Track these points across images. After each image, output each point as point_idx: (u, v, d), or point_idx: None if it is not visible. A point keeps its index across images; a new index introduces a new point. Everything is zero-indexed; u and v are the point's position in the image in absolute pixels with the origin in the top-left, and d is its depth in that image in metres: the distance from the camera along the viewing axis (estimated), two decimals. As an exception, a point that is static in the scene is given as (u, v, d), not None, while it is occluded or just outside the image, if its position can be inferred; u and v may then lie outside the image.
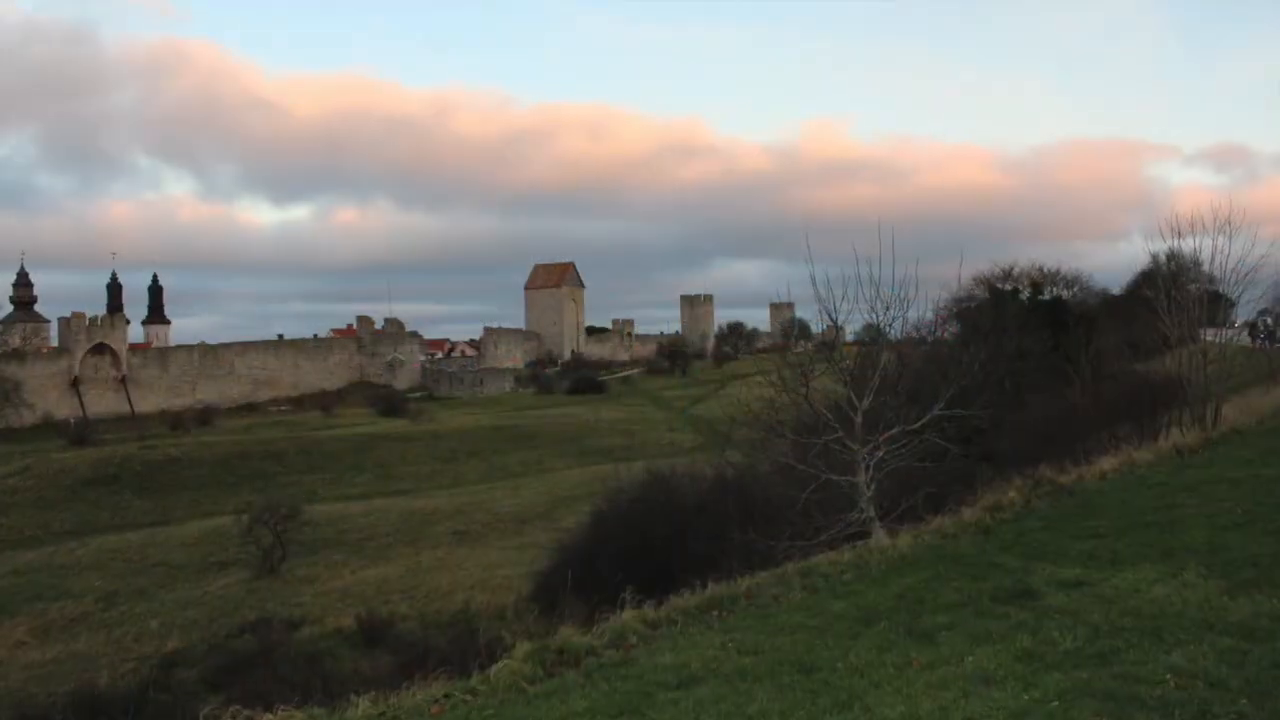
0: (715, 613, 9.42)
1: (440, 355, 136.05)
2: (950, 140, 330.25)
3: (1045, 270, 52.18)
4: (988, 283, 49.74)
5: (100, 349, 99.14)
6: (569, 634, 8.72)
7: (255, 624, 30.77)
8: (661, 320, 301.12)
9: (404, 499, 54.35)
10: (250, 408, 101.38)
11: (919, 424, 15.14)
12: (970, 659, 6.86)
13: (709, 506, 22.97)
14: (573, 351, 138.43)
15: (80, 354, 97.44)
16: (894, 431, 14.88)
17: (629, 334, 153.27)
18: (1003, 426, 26.55)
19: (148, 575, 41.01)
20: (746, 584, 10.54)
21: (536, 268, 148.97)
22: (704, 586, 10.47)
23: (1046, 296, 48.94)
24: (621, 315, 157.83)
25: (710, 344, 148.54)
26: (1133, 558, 9.46)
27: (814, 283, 15.92)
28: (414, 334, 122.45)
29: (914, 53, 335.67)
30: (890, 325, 16.69)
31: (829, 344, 19.23)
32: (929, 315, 27.91)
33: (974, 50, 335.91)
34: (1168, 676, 6.10)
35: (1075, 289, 53.81)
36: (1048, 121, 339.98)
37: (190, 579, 40.02)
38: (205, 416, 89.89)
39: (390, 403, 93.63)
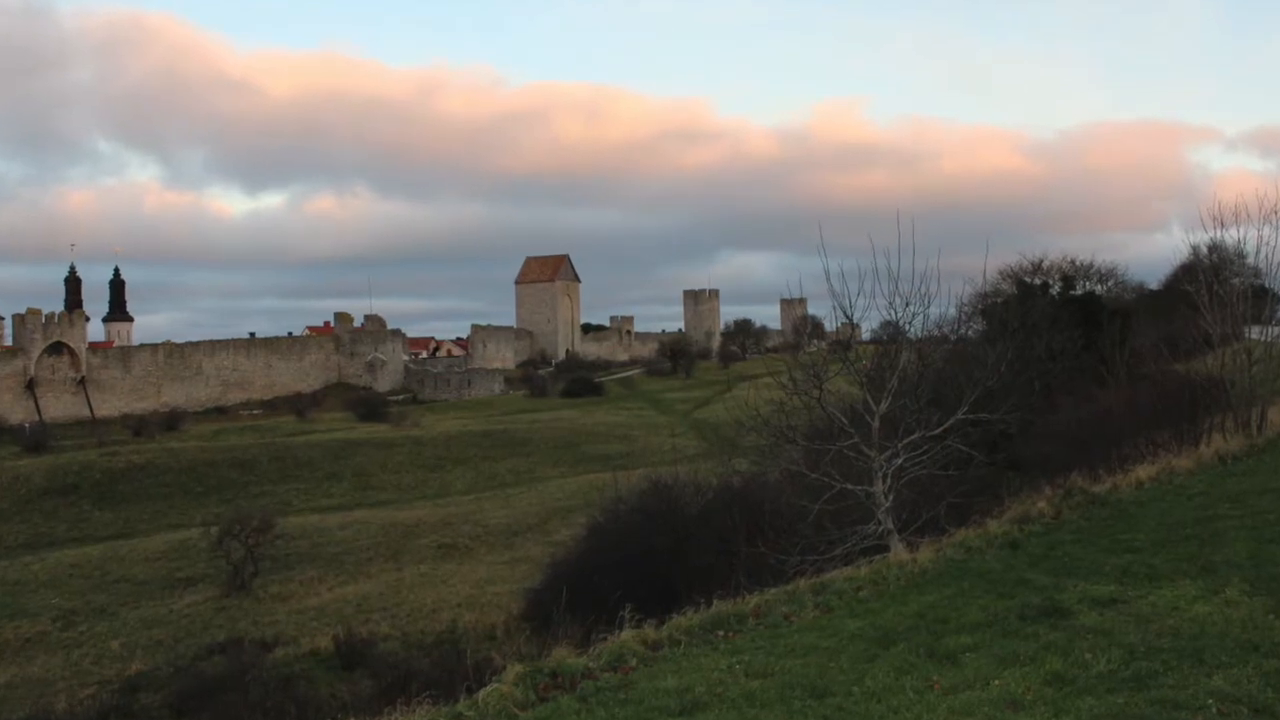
0: (721, 632, 9.44)
1: (425, 355, 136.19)
2: (973, 123, 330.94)
3: (1077, 263, 52.23)
4: (1015, 276, 49.82)
5: (57, 348, 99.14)
6: (563, 655, 8.74)
7: (225, 645, 30.81)
8: (663, 317, 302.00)
9: (385, 510, 54.39)
10: (219, 411, 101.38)
11: (941, 429, 15.17)
12: (996, 682, 6.88)
13: (714, 518, 23.01)
14: (567, 351, 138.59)
15: (36, 353, 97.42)
16: (914, 437, 14.91)
17: (628, 332, 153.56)
18: (1031, 432, 26.58)
19: (109, 592, 41.02)
20: (754, 601, 10.56)
21: (528, 261, 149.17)
22: (708, 604, 10.50)
23: (1078, 291, 48.94)
24: (620, 312, 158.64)
25: (715, 343, 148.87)
26: (1171, 573, 9.47)
27: (828, 277, 16.00)
28: (396, 332, 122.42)
29: (933, 29, 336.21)
30: (910, 322, 16.75)
31: (844, 343, 19.29)
32: (952, 312, 27.99)
33: (997, 26, 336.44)
34: (1209, 701, 6.10)
35: (1109, 283, 53.91)
36: (1077, 103, 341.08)
37: (155, 596, 40.03)
38: (171, 421, 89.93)
39: (370, 406, 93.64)
